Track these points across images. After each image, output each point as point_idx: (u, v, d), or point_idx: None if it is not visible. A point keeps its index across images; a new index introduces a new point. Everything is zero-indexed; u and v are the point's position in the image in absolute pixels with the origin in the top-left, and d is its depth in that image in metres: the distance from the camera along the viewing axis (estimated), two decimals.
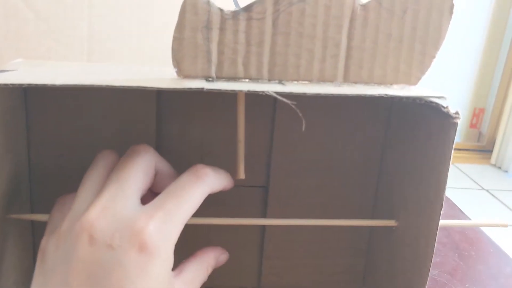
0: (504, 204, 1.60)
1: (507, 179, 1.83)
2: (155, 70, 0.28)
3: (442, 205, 0.23)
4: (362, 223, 0.32)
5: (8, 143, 0.26)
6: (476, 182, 1.76)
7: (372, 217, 0.33)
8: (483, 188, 1.72)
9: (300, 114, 0.23)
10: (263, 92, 0.22)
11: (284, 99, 0.22)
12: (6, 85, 0.20)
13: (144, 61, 0.41)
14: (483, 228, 0.45)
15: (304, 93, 0.22)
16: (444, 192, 0.23)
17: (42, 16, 0.36)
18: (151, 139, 0.29)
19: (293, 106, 0.22)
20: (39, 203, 0.29)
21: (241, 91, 0.22)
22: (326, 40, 0.24)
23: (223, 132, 0.30)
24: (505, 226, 0.26)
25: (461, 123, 2.06)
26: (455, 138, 0.23)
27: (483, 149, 2.03)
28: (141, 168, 0.24)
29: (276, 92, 0.22)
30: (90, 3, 0.37)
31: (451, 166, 0.23)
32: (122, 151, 0.25)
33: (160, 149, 0.29)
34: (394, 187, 0.30)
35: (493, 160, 1.93)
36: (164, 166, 0.25)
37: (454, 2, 0.24)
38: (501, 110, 1.93)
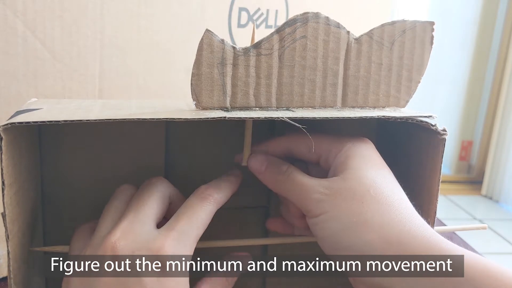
0: (498, 234, 1.61)
1: (499, 209, 1.85)
2: (168, 104, 0.29)
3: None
4: None
5: (31, 178, 0.27)
6: (468, 213, 1.78)
7: None
8: (475, 219, 1.74)
9: (310, 136, 0.25)
10: (278, 118, 0.24)
11: (296, 124, 0.24)
12: (44, 122, 0.22)
13: (150, 97, 0.44)
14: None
15: (314, 118, 0.24)
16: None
17: (58, 57, 0.38)
18: (160, 167, 0.31)
19: (304, 130, 0.24)
20: (50, 235, 0.30)
21: (258, 118, 0.24)
22: (326, 70, 0.27)
23: (225, 156, 0.32)
24: (484, 228, 0.29)
25: (451, 156, 2.10)
26: (446, 170, 0.25)
27: (474, 181, 2.05)
28: (156, 197, 0.26)
29: (289, 118, 0.24)
30: (102, 44, 0.39)
31: (443, 198, 0.26)
32: (132, 180, 0.27)
33: (168, 173, 0.31)
34: None
35: (483, 191, 1.96)
36: (177, 196, 0.28)
37: (433, 34, 0.28)
38: (488, 142, 1.97)
